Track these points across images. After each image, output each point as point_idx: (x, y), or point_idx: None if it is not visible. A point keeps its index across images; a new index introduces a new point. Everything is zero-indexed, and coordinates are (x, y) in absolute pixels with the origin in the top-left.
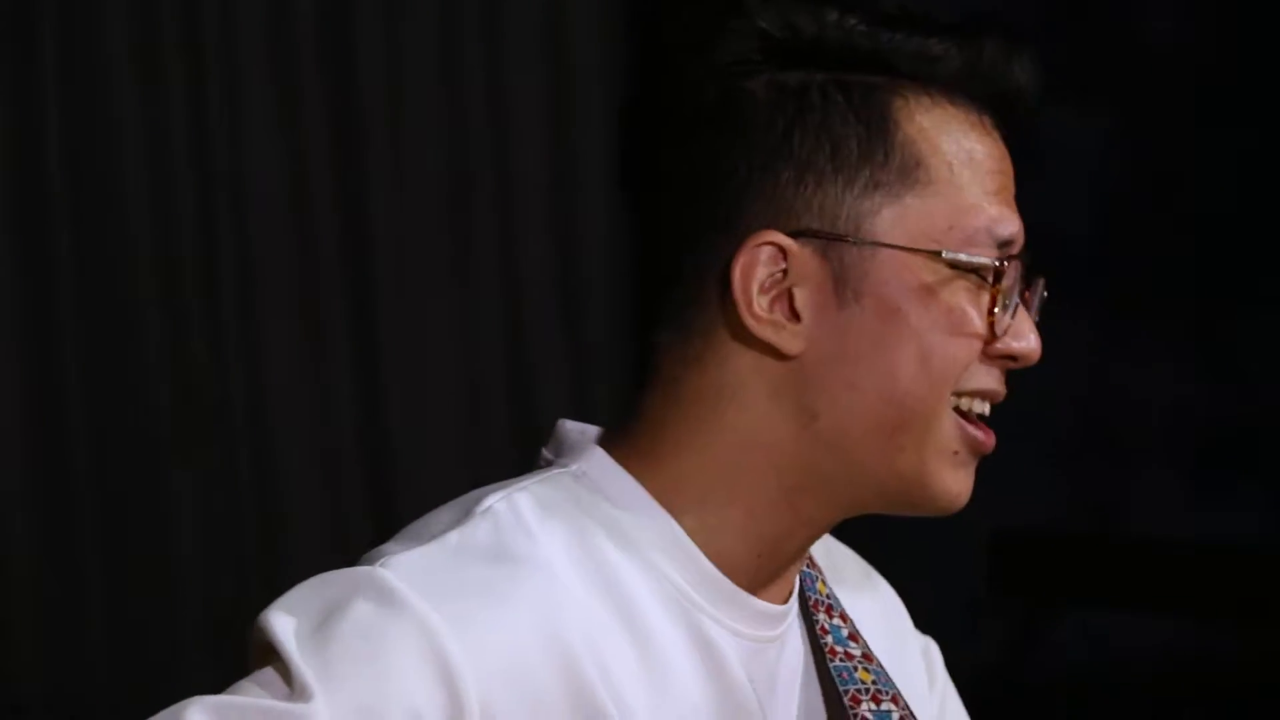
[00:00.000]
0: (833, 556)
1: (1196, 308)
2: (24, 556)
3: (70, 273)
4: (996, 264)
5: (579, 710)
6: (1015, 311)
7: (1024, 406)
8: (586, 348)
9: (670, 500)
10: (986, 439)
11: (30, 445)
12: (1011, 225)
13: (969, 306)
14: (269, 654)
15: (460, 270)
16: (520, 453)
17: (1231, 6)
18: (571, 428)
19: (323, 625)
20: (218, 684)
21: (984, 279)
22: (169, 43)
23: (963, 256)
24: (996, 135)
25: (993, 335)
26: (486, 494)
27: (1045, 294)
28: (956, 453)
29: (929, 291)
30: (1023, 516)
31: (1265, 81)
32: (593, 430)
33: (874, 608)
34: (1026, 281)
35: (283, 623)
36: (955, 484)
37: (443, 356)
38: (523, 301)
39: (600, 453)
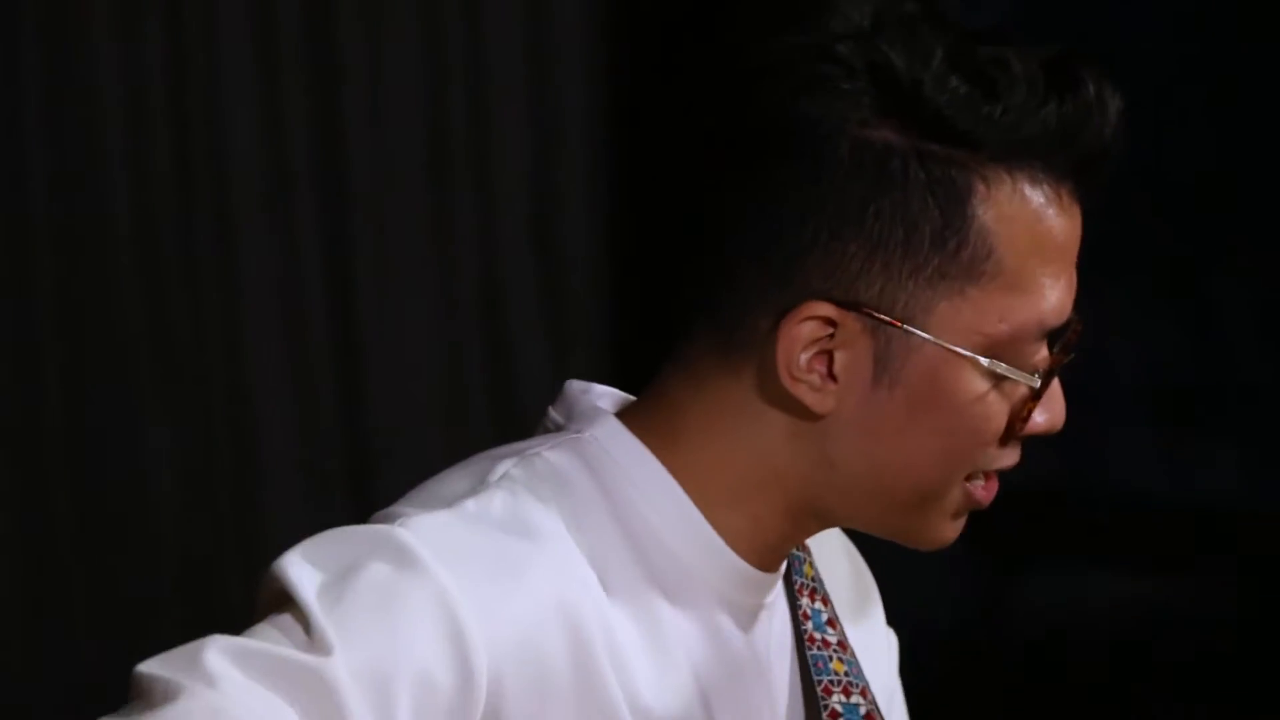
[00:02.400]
0: (819, 535)
1: (1169, 265)
2: None
3: (47, 238)
4: (1038, 382)
5: (586, 685)
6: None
7: None
8: (565, 315)
9: (684, 480)
10: (987, 497)
11: (4, 403)
12: (1063, 314)
13: (1001, 413)
14: (285, 601)
15: (440, 232)
16: (496, 414)
17: None
18: (579, 390)
19: (340, 580)
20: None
21: (1024, 388)
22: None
23: (1002, 368)
24: (1075, 207)
25: (1019, 431)
26: (499, 460)
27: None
28: (957, 514)
29: (964, 396)
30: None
31: (1236, 38)
32: (601, 394)
33: (853, 595)
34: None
35: (301, 572)
36: (947, 533)
37: (420, 319)
38: (501, 262)
39: (614, 421)
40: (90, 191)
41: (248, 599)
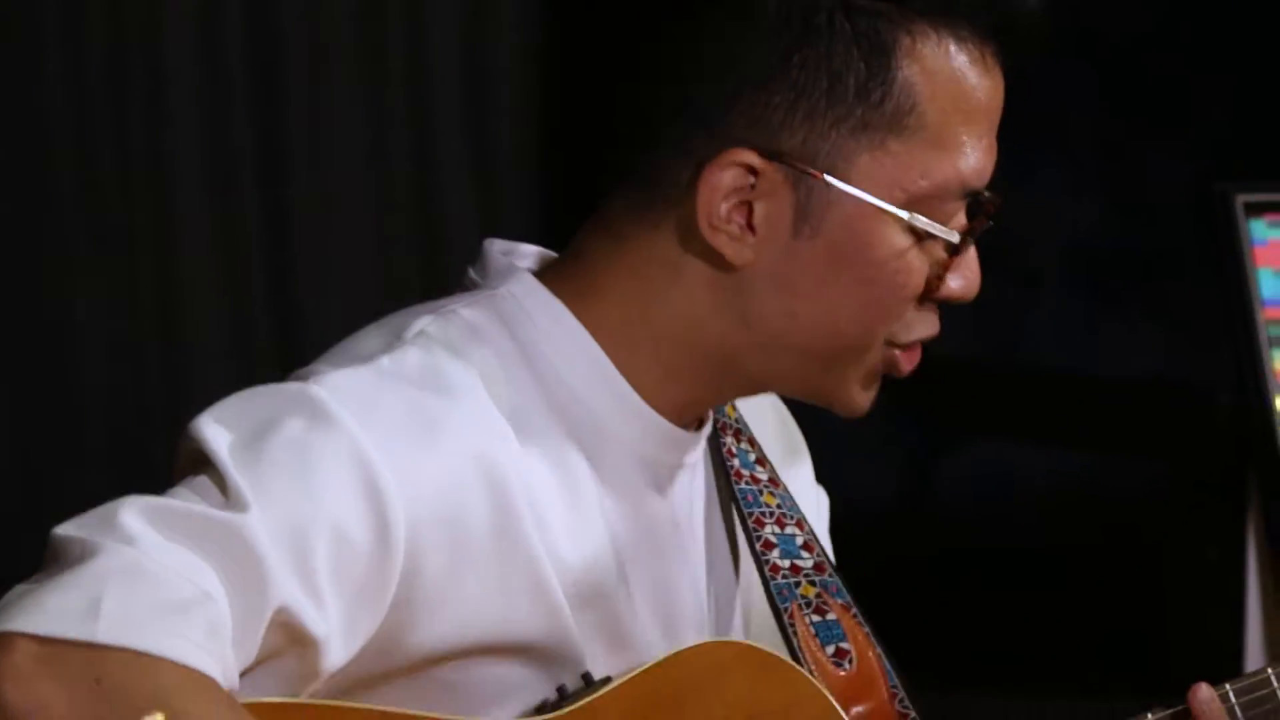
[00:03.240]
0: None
1: (1103, 134)
2: None
3: None
4: (958, 239)
5: (506, 542)
6: (964, 251)
7: None
8: (494, 187)
9: (599, 336)
10: (908, 365)
11: None
12: (983, 177)
13: (919, 269)
14: (201, 463)
15: (372, 78)
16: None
17: None
18: (498, 251)
19: (255, 438)
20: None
21: (941, 246)
22: None
23: (922, 222)
24: (997, 70)
25: (936, 291)
26: (415, 317)
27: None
28: (874, 379)
29: (883, 249)
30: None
31: None
32: (520, 253)
33: (782, 444)
34: (984, 217)
35: (215, 433)
36: (862, 400)
37: (351, 175)
38: (431, 134)
39: (530, 278)
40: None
41: (169, 465)
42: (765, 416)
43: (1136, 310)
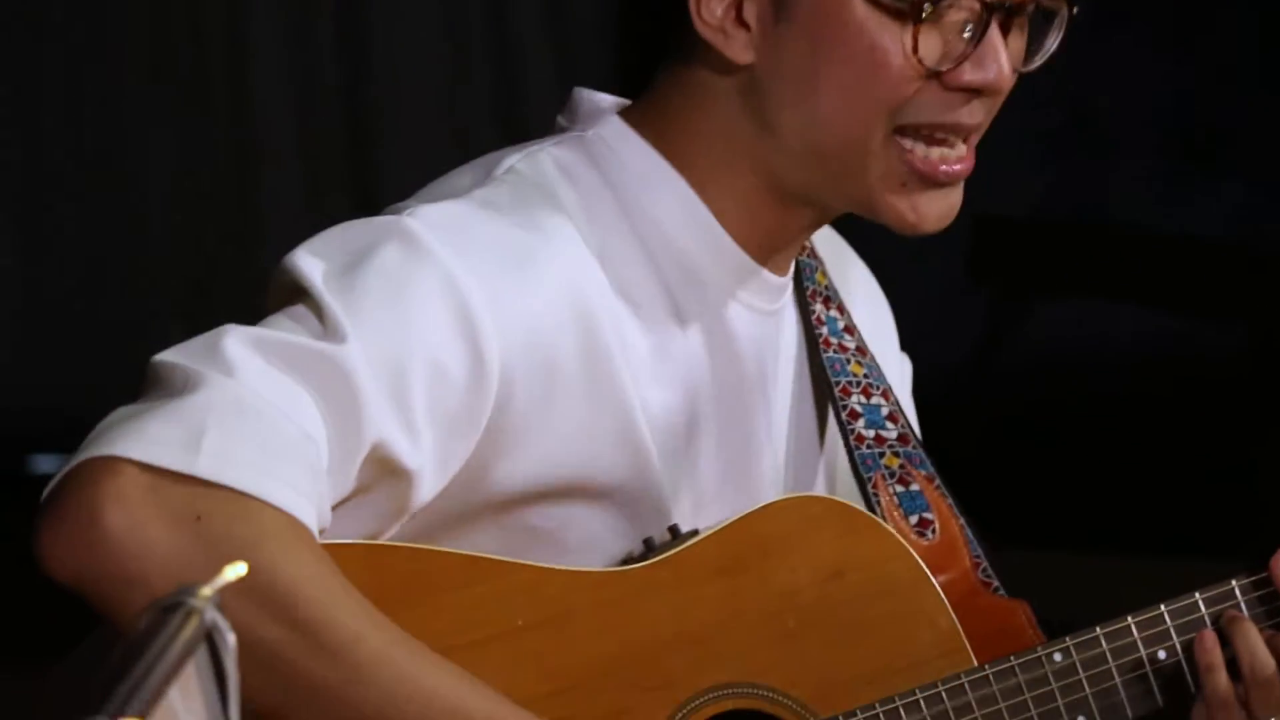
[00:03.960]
0: (842, 258)
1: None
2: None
3: None
4: (914, 5)
5: (593, 378)
6: (980, 40)
7: (1008, 97)
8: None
9: (680, 170)
10: (946, 168)
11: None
12: None
13: (889, 44)
14: (297, 293)
15: None
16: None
17: None
18: (586, 96)
19: (350, 269)
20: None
21: (905, 16)
22: None
23: None
24: None
25: (926, 70)
26: (506, 155)
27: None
28: (905, 184)
29: (848, 25)
30: (1004, 206)
31: None
32: (607, 99)
33: (871, 315)
34: (1006, 9)
35: (311, 264)
36: (910, 212)
37: (430, 19)
38: None
39: (617, 119)
40: None
41: (251, 304)
42: (854, 279)
43: (1219, 171)
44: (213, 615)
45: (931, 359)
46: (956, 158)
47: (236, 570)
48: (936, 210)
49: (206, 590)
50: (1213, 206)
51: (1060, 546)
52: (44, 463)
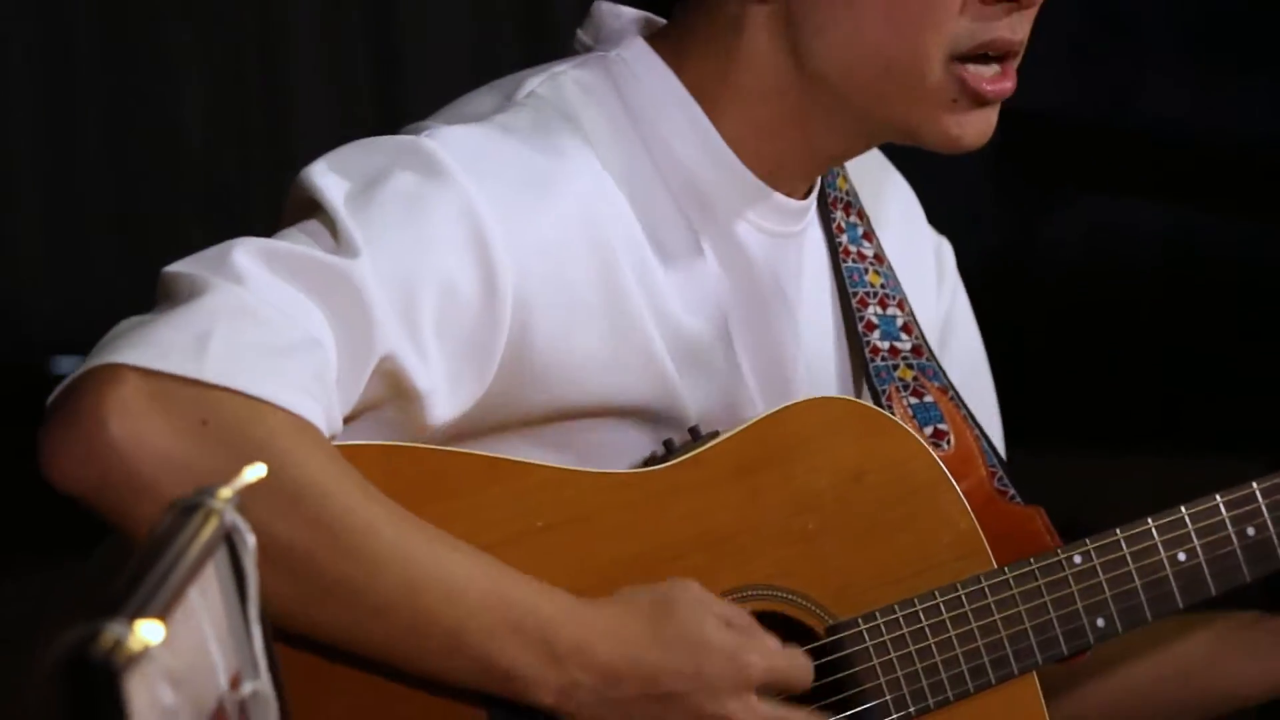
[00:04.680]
0: (873, 167)
1: None
2: (25, 131)
3: None
4: None
5: (611, 302)
6: None
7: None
8: None
9: (700, 100)
10: (992, 87)
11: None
12: None
13: None
14: (312, 208)
15: None
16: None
17: None
18: (609, 10)
19: (368, 187)
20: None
21: None
22: None
23: None
24: None
25: None
26: (527, 78)
27: None
28: (955, 101)
29: None
30: (1033, 101)
31: None
32: (628, 13)
33: (891, 205)
34: None
35: (328, 180)
36: (956, 129)
37: None
38: None
39: (641, 42)
40: None
41: (274, 217)
42: (873, 174)
43: (1247, 68)
44: (232, 516)
45: (960, 251)
46: (1004, 75)
47: (256, 471)
48: (978, 128)
49: (226, 491)
50: (1250, 101)
51: (1084, 447)
52: (66, 364)
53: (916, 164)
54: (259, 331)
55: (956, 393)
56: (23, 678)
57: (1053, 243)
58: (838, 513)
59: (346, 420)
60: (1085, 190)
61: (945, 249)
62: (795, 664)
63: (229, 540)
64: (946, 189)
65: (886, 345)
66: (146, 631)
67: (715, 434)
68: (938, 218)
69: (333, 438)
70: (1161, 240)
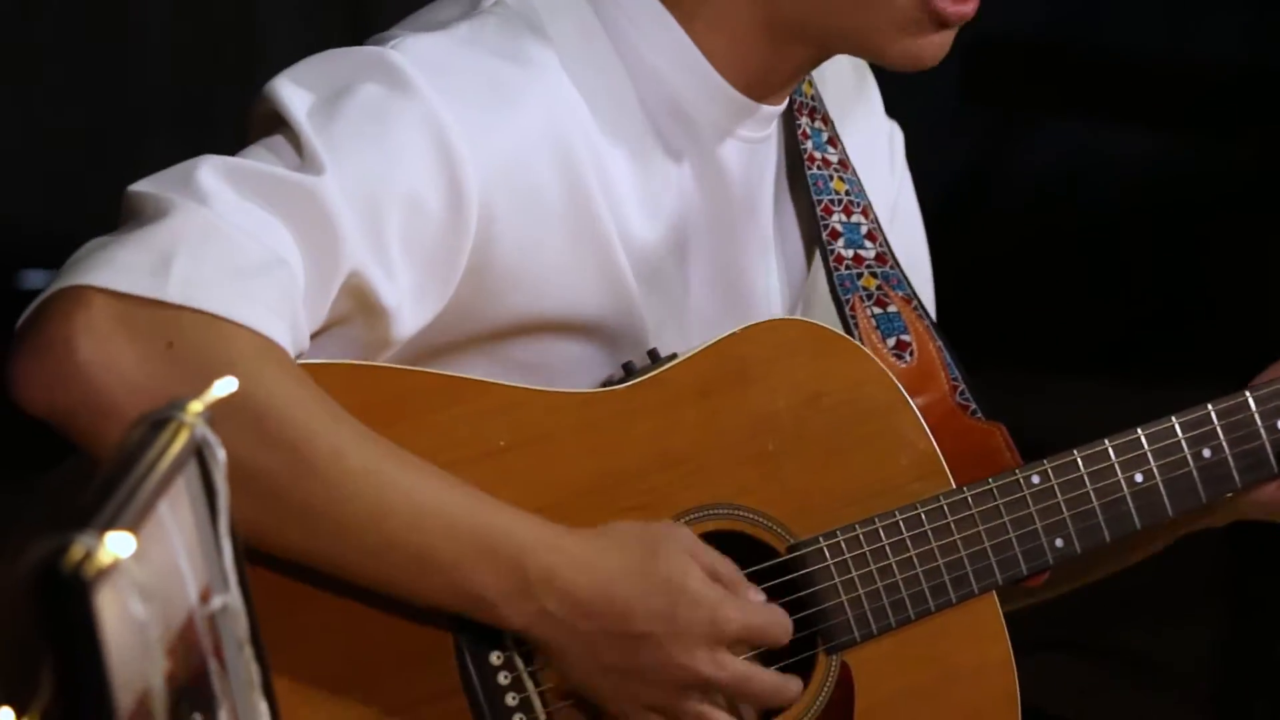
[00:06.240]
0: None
1: None
2: None
3: None
4: None
5: (575, 215)
6: None
7: None
8: None
9: (672, 10)
10: (954, 9)
11: None
12: None
13: None
14: (277, 124)
15: None
16: None
17: None
18: None
19: (332, 101)
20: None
21: None
22: None
23: None
24: None
25: None
26: None
27: None
28: (917, 21)
29: None
30: (1001, 24)
31: None
32: None
33: (858, 101)
34: None
35: (292, 94)
36: (915, 49)
37: None
38: None
39: None
40: None
41: (242, 133)
42: (841, 72)
43: None
44: (202, 430)
45: (926, 174)
46: None
47: (227, 385)
48: (936, 49)
49: (196, 405)
50: (1218, 25)
51: (1049, 369)
52: (35, 278)
53: (883, 88)
54: (224, 252)
55: (920, 302)
56: None
57: (1020, 167)
58: (796, 434)
59: (312, 337)
60: (1052, 116)
61: (897, 135)
62: (773, 621)
63: (199, 454)
64: (914, 113)
65: (851, 254)
66: (116, 544)
67: (674, 356)
68: (905, 140)
69: (299, 357)
70: (1127, 165)
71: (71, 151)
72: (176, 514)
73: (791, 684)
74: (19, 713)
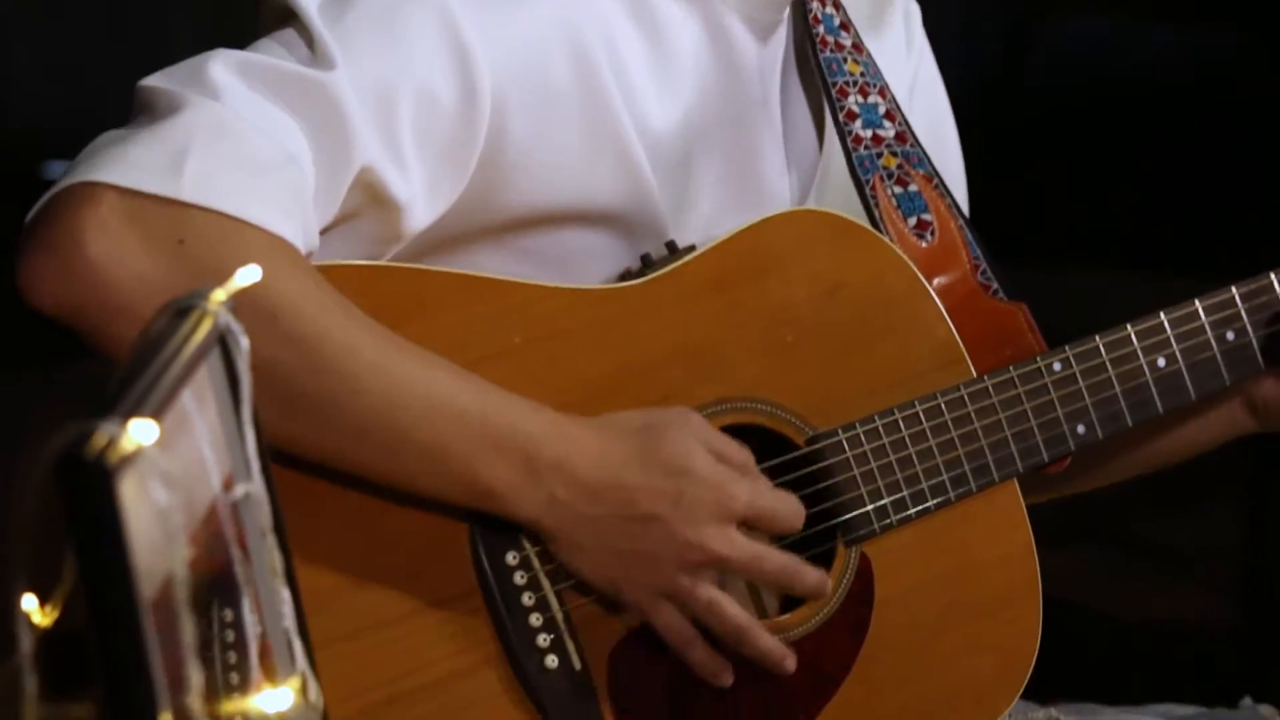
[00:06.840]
0: None
1: None
2: None
3: None
4: None
5: (589, 105)
6: None
7: None
8: None
9: None
10: None
11: None
12: None
13: None
14: (288, 17)
15: None
16: None
17: None
18: None
19: None
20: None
21: None
22: None
23: None
24: None
25: None
26: None
27: None
28: None
29: None
30: None
31: None
32: None
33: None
34: None
35: None
36: None
37: None
38: None
39: None
40: None
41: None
42: None
43: None
44: (225, 318)
45: (947, 68)
46: None
47: (250, 274)
48: None
49: (219, 293)
50: None
51: (1072, 262)
52: (58, 169)
53: None
54: (236, 149)
55: (941, 180)
56: (17, 479)
57: (1045, 61)
58: (815, 325)
59: (322, 232)
60: (1077, 7)
61: (914, 10)
62: (784, 505)
63: (222, 342)
64: (932, 4)
65: (869, 134)
66: (140, 431)
67: (692, 248)
68: (932, 33)
69: (310, 255)
70: (1154, 58)
71: (94, 43)
72: (200, 402)
73: (809, 567)
74: (41, 601)
